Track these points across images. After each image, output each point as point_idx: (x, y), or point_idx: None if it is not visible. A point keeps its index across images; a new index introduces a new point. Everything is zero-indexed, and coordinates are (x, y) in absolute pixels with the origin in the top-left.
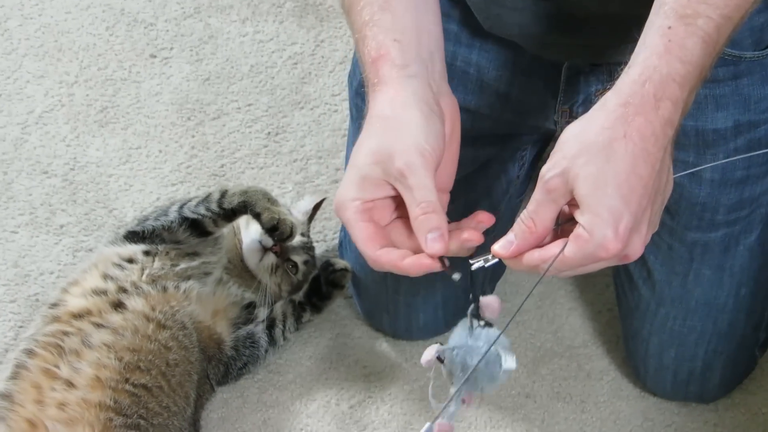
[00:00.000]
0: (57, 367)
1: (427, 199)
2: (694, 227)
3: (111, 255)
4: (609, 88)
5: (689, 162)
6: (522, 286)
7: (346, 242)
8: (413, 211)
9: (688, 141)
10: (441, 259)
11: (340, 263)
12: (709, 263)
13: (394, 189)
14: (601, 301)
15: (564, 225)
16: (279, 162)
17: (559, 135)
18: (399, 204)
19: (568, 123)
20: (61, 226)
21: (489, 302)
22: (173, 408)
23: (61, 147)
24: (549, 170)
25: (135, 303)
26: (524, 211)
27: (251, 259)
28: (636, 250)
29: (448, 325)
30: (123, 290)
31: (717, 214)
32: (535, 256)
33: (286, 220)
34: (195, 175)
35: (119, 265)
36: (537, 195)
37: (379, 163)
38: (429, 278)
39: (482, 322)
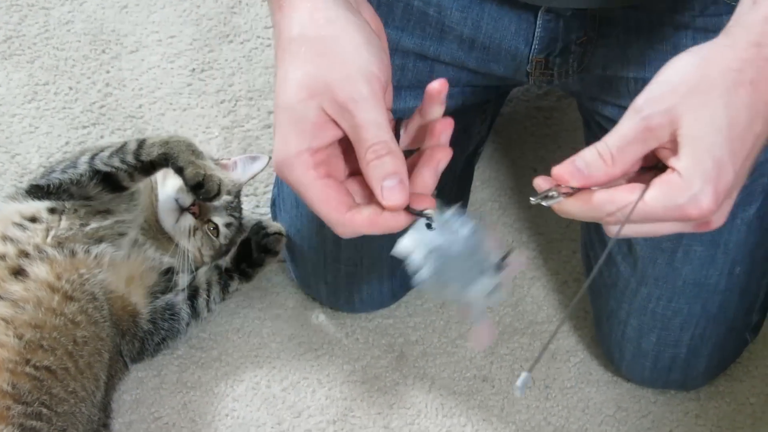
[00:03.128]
0: None
1: (379, 139)
2: None
3: (11, 213)
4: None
5: None
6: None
7: (279, 201)
8: (364, 155)
9: None
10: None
11: (274, 226)
12: (701, 238)
13: (339, 126)
14: (567, 270)
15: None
16: (204, 103)
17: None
18: (347, 150)
19: (543, 75)
20: None
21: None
22: (81, 393)
23: None
24: (650, 103)
25: (38, 270)
26: (604, 141)
27: (166, 220)
28: (722, 217)
29: (396, 296)
30: (24, 254)
31: None
32: (602, 197)
33: (213, 176)
34: (109, 116)
35: (20, 225)
36: (627, 130)
37: (314, 98)
38: (374, 245)
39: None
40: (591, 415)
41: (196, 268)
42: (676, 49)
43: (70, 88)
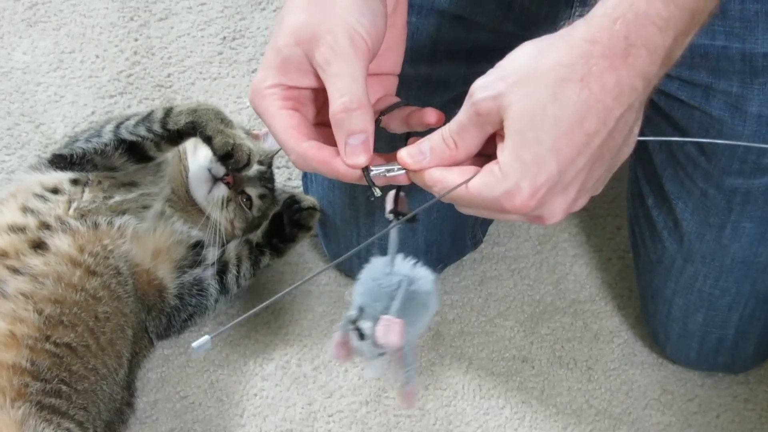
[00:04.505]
0: None
1: (351, 92)
2: (735, 172)
3: (32, 183)
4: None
5: (732, 93)
6: (518, 227)
7: (312, 173)
8: (333, 105)
9: (733, 67)
10: (364, 170)
11: (307, 200)
12: (751, 214)
13: (319, 79)
14: (611, 247)
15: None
16: (236, 72)
17: None
18: (324, 105)
19: None
20: None
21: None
22: (102, 370)
23: None
24: (481, 89)
25: (59, 242)
26: (447, 126)
27: (198, 191)
28: (555, 213)
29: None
30: (45, 226)
31: (764, 156)
32: (434, 175)
33: (243, 146)
34: (137, 85)
35: (42, 196)
36: (462, 115)
37: (301, 44)
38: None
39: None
40: (635, 398)
41: (226, 242)
42: (724, 14)
43: (97, 57)
